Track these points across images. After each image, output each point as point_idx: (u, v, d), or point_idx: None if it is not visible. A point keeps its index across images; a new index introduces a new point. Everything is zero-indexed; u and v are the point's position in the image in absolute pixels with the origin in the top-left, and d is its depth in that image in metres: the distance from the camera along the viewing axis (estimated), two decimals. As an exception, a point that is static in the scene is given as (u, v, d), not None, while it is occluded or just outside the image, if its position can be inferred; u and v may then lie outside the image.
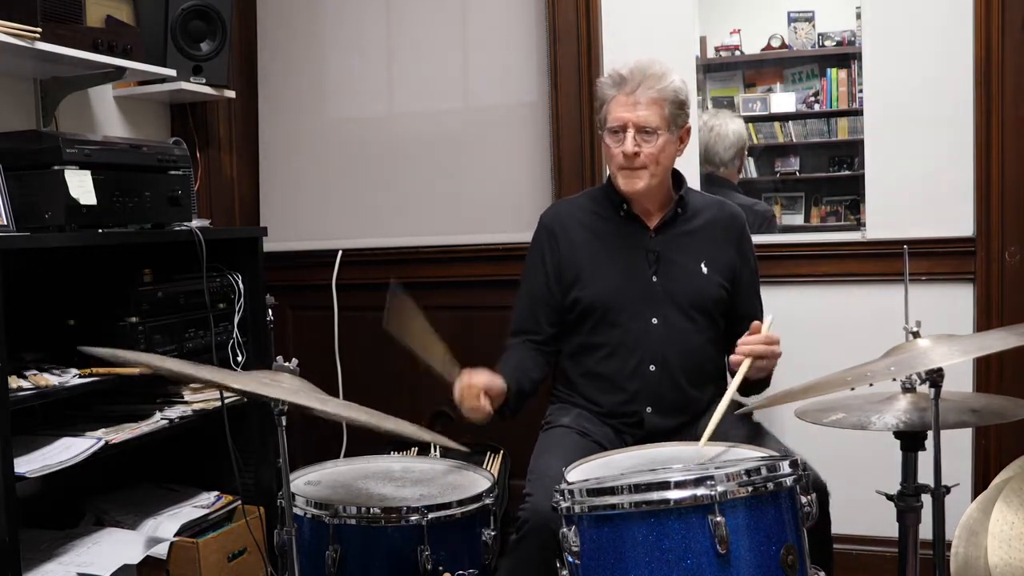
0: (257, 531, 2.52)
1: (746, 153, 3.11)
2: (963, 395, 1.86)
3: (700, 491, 1.44)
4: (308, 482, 1.92)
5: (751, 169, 3.77)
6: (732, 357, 1.95)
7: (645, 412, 2.08)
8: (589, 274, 2.13)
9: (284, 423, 1.56)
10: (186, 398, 2.49)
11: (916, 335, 1.65)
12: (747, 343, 1.92)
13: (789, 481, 1.52)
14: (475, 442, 2.81)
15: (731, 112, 3.33)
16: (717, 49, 3.54)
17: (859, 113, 2.77)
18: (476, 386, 1.88)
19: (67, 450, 2.11)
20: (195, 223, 2.55)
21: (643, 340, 2.08)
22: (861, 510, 2.13)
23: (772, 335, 1.94)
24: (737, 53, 3.60)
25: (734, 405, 1.87)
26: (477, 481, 1.89)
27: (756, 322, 1.95)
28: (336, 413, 1.59)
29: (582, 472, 1.71)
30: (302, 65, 3.26)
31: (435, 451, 2.70)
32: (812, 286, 2.69)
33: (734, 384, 1.89)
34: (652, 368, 2.08)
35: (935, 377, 1.57)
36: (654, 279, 2.11)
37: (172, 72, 2.77)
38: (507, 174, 3.02)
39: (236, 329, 2.60)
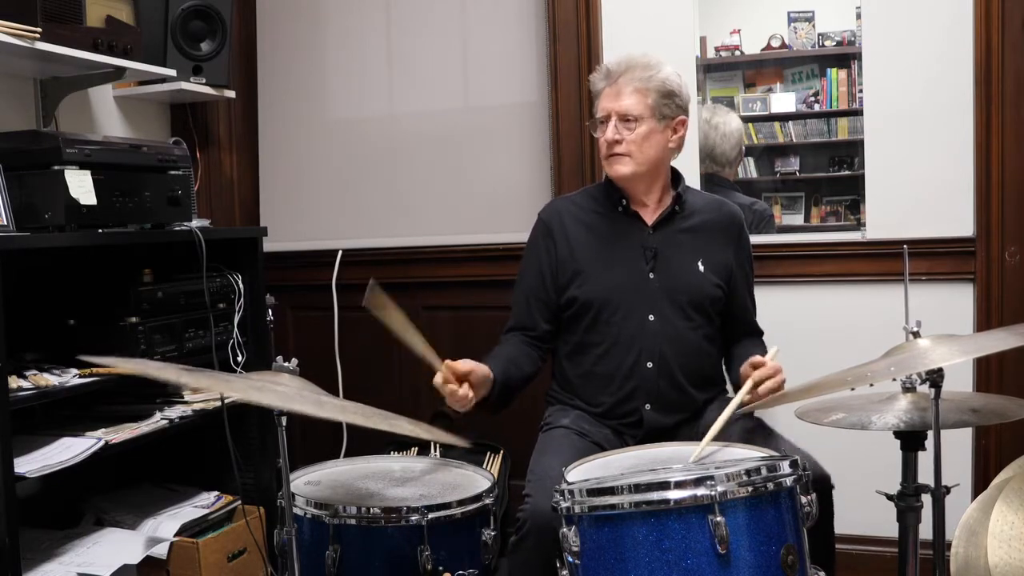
0: (257, 531, 2.52)
1: (744, 150, 3.11)
2: (963, 395, 1.86)
3: (700, 491, 1.44)
4: (308, 482, 1.92)
5: (751, 169, 3.77)
6: (743, 371, 1.94)
7: (644, 409, 2.08)
8: (587, 271, 2.13)
9: (284, 423, 1.56)
10: (186, 398, 2.49)
11: (916, 335, 1.65)
12: (761, 376, 1.89)
13: (789, 481, 1.52)
14: (475, 442, 2.81)
15: (727, 108, 3.32)
16: (717, 49, 3.54)
17: (859, 113, 2.77)
18: (458, 370, 1.87)
19: (67, 450, 2.11)
20: (195, 223, 2.54)
21: (640, 337, 2.08)
22: (861, 510, 2.13)
23: (778, 365, 1.93)
24: (737, 53, 3.60)
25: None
26: (477, 481, 1.89)
27: (758, 358, 1.93)
28: (333, 416, 1.58)
29: (582, 472, 1.71)
30: (302, 65, 3.26)
31: (435, 451, 2.70)
32: (812, 286, 2.69)
33: (738, 397, 1.88)
34: (650, 365, 2.08)
35: (935, 377, 1.57)
36: (651, 276, 2.11)
37: (172, 72, 2.77)
38: (507, 174, 3.02)
39: (236, 329, 2.60)
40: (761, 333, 2.25)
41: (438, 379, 1.86)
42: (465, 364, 1.89)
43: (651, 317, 2.09)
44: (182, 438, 2.55)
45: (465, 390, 1.87)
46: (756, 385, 1.90)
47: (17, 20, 2.16)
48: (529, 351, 2.15)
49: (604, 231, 2.17)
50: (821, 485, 1.75)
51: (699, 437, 1.82)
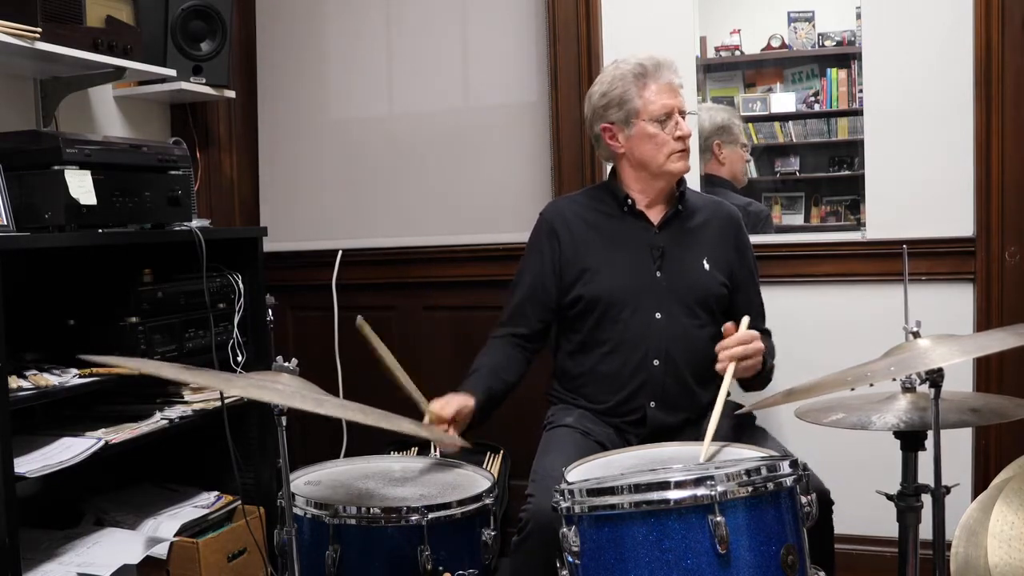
0: (257, 531, 2.52)
1: (721, 144, 3.03)
2: (963, 395, 1.86)
3: (700, 491, 1.44)
4: (308, 482, 1.91)
5: (751, 169, 3.76)
6: (717, 366, 1.94)
7: (648, 407, 2.08)
8: (594, 269, 2.13)
9: (284, 423, 1.56)
10: (186, 398, 2.49)
11: (916, 335, 1.65)
12: (725, 347, 1.92)
13: (789, 481, 1.51)
14: (475, 442, 2.81)
15: (706, 105, 3.29)
16: (717, 49, 3.53)
17: (859, 113, 2.77)
18: (444, 419, 1.94)
19: (67, 450, 2.11)
20: (195, 223, 2.55)
21: (647, 335, 2.08)
22: (861, 510, 2.13)
23: (746, 333, 1.94)
24: (737, 53, 3.59)
25: (732, 407, 1.87)
26: (477, 481, 1.89)
27: (728, 324, 1.95)
28: (333, 414, 1.58)
29: (582, 472, 1.71)
30: (302, 65, 3.26)
31: (435, 451, 2.70)
32: (812, 286, 2.69)
33: (722, 393, 1.87)
34: (656, 363, 2.08)
35: (935, 377, 1.56)
36: (658, 274, 2.11)
37: (172, 72, 2.77)
38: (507, 174, 3.02)
39: (236, 329, 2.60)
40: (768, 333, 2.24)
41: (426, 421, 1.94)
42: (448, 409, 1.95)
43: (658, 315, 2.09)
44: (182, 438, 2.55)
45: (452, 435, 1.95)
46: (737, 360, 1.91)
47: (17, 20, 2.16)
48: (515, 354, 2.15)
49: (609, 230, 2.17)
50: (821, 500, 1.74)
51: (702, 437, 1.82)
